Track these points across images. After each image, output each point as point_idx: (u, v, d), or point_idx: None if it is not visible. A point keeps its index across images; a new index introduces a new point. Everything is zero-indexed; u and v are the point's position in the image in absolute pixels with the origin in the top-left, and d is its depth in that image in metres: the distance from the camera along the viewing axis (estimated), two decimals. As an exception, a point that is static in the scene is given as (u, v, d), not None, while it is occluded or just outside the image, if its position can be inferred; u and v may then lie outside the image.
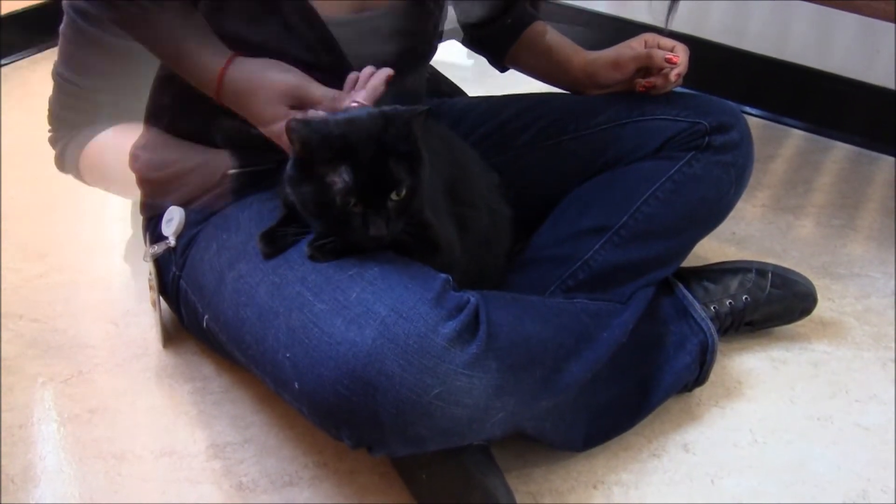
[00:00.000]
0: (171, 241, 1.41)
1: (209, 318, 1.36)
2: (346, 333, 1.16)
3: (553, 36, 1.64)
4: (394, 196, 1.15)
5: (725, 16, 2.44)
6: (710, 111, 1.55)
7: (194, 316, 1.42)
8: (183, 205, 1.44)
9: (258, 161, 1.42)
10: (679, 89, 1.55)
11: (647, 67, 1.53)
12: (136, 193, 1.47)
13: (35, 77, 2.95)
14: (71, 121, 1.35)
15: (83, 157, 1.36)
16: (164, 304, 1.54)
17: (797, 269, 1.83)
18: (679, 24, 2.45)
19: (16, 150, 2.49)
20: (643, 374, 1.46)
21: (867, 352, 1.69)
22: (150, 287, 1.51)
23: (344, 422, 1.18)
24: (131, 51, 1.29)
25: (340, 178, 1.13)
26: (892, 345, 1.70)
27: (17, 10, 3.06)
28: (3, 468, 1.36)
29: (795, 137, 2.39)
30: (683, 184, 1.51)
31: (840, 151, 2.34)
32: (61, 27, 1.34)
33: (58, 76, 1.35)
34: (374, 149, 1.14)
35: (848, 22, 2.29)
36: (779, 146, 2.34)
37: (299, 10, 1.29)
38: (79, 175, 1.41)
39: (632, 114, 1.57)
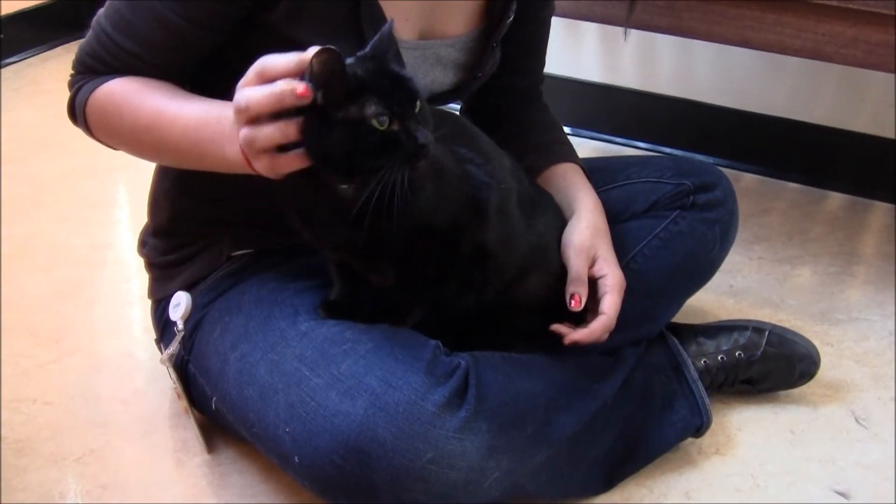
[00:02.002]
0: (179, 325, 1.44)
1: (217, 399, 1.40)
2: (339, 405, 1.20)
3: (569, 180, 1.55)
4: (415, 108, 1.10)
5: (711, 75, 2.49)
6: (693, 171, 1.59)
7: (204, 399, 1.45)
8: (188, 287, 1.48)
9: (260, 243, 1.47)
10: (666, 149, 1.56)
11: None
12: (134, 147, 1.39)
13: (45, 74, 3.04)
14: (97, 70, 1.34)
15: (91, 101, 1.34)
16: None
17: (795, 317, 1.87)
18: (666, 87, 2.53)
19: (24, 147, 2.59)
20: (635, 425, 1.48)
21: (867, 392, 1.71)
22: (178, 395, 1.52)
23: (343, 492, 1.21)
24: (194, 39, 1.28)
25: (370, 103, 1.07)
26: (891, 384, 1.73)
27: (27, 8, 3.12)
28: (18, 548, 1.39)
29: (790, 190, 2.43)
30: (670, 241, 1.54)
31: (834, 201, 2.38)
32: None
33: (99, 28, 1.31)
34: (378, 69, 1.10)
35: (831, 73, 2.34)
36: (773, 200, 2.38)
37: (377, 29, 1.28)
38: (85, 121, 1.38)
39: (617, 178, 1.61)
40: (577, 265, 1.41)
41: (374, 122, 1.06)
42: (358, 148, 1.07)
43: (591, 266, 1.42)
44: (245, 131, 1.08)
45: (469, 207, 1.27)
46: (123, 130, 1.34)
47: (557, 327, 1.40)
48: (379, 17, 1.31)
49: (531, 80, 1.67)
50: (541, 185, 1.53)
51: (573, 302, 1.39)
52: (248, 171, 1.14)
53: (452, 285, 1.34)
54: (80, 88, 1.36)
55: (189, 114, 1.26)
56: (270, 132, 1.07)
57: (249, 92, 1.07)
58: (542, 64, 1.67)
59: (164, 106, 1.28)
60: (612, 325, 1.40)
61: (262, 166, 1.11)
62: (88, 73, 1.35)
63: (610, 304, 1.40)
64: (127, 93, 1.31)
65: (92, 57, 1.34)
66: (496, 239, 1.32)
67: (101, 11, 1.33)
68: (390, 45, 1.13)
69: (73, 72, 1.38)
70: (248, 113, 1.07)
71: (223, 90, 1.31)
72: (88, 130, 1.39)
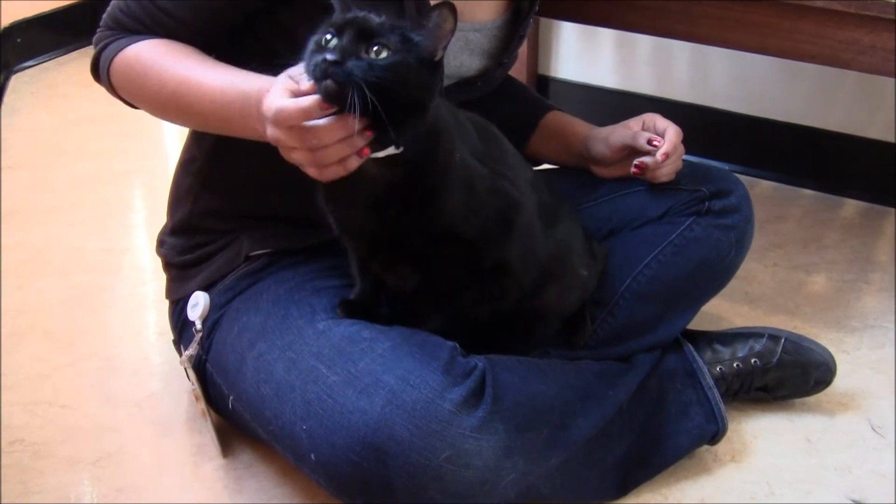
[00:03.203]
0: (198, 325, 1.45)
1: (234, 398, 1.40)
2: (356, 403, 1.20)
3: (562, 115, 1.68)
4: (372, 54, 1.07)
5: (727, 81, 2.48)
6: (709, 178, 1.59)
7: (221, 398, 1.45)
8: (206, 287, 1.48)
9: (279, 242, 1.47)
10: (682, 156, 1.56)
11: (634, 148, 1.54)
12: (157, 110, 1.40)
13: (61, 78, 3.07)
14: (127, 26, 1.34)
15: (118, 60, 1.35)
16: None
17: (811, 325, 1.87)
18: (682, 93, 2.53)
19: (40, 151, 2.61)
20: (650, 432, 1.48)
21: (883, 400, 1.70)
22: (196, 397, 1.53)
23: (359, 491, 1.21)
24: (233, 3, 1.32)
25: (324, 27, 1.10)
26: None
27: (44, 12, 3.16)
28: (34, 550, 1.40)
29: (805, 197, 2.42)
30: (685, 247, 1.54)
31: (849, 208, 2.37)
32: None
33: None
34: (357, 19, 1.11)
35: (847, 80, 2.33)
36: (789, 207, 2.37)
37: (416, 1, 1.32)
38: (108, 81, 1.39)
39: (633, 184, 1.61)
40: (625, 133, 1.55)
41: (315, 42, 1.10)
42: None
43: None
44: (308, 156, 1.12)
45: (497, 223, 1.28)
46: (148, 94, 1.36)
47: (641, 160, 1.52)
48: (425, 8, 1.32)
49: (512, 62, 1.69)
50: (538, 139, 1.65)
51: (654, 141, 1.51)
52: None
53: (471, 295, 1.34)
54: (106, 46, 1.37)
55: (214, 86, 1.28)
56: (339, 151, 1.11)
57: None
58: None
59: (189, 74, 1.30)
60: (681, 133, 1.52)
61: (331, 174, 1.14)
62: (118, 29, 1.37)
63: (667, 123, 1.53)
64: (154, 56, 1.33)
65: (124, 12, 1.35)
66: (518, 255, 1.33)
67: None
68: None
69: (100, 27, 1.39)
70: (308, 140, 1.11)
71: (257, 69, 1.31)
72: (111, 89, 1.40)
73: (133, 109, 1.44)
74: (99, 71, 1.39)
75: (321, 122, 1.08)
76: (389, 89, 1.06)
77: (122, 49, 1.34)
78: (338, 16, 1.11)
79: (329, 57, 1.05)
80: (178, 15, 1.32)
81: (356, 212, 1.22)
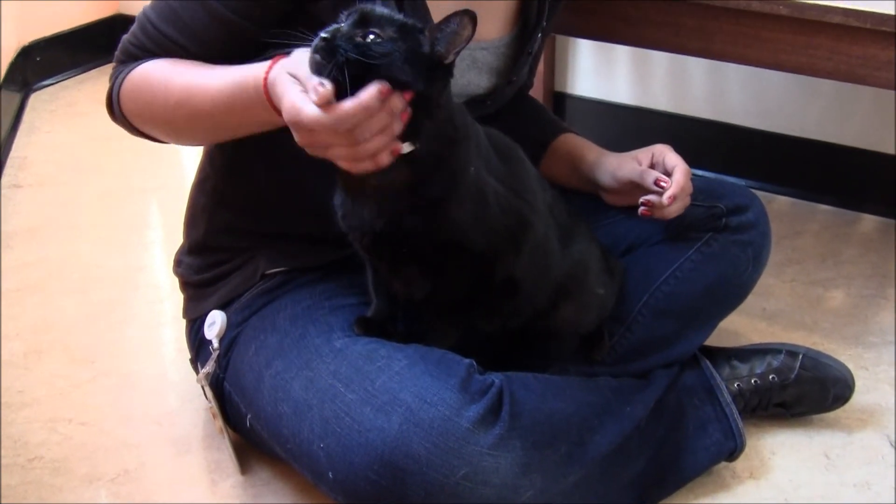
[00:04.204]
0: (215, 344, 1.46)
1: (251, 417, 1.41)
2: (374, 421, 1.21)
3: (574, 138, 1.66)
4: (370, 36, 1.11)
5: (743, 97, 2.49)
6: (726, 194, 1.58)
7: (238, 417, 1.46)
8: (223, 306, 1.49)
9: (295, 261, 1.48)
10: (698, 172, 1.55)
11: (641, 185, 1.50)
12: (169, 125, 1.40)
13: (80, 96, 3.09)
14: (139, 58, 1.36)
15: (126, 83, 1.36)
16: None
17: (829, 340, 1.86)
18: (698, 109, 2.53)
19: (59, 168, 2.63)
20: (668, 448, 1.47)
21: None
22: (213, 415, 1.53)
23: None
24: (241, 33, 1.31)
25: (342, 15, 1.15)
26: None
27: (63, 31, 3.18)
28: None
29: (822, 212, 2.41)
30: (702, 263, 1.54)
31: (867, 223, 2.36)
32: None
33: (145, 19, 1.33)
34: (363, 8, 1.15)
35: (863, 95, 2.33)
36: (806, 222, 2.37)
37: (420, 19, 1.31)
38: (121, 109, 1.39)
39: None
40: (633, 168, 1.50)
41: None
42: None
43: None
44: (349, 150, 1.12)
45: (507, 241, 1.29)
46: (157, 110, 1.36)
47: (647, 198, 1.46)
48: (423, 13, 1.33)
49: (529, 82, 1.70)
50: (549, 161, 1.62)
51: (662, 182, 1.45)
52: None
53: (481, 310, 1.35)
54: (116, 78, 1.38)
55: (214, 85, 1.28)
56: (381, 141, 1.12)
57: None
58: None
59: (192, 80, 1.30)
60: (690, 172, 1.47)
61: (363, 168, 1.14)
62: (130, 60, 1.38)
63: (676, 160, 1.47)
64: (158, 70, 1.33)
65: (135, 45, 1.36)
66: (529, 274, 1.34)
67: (147, 5, 1.36)
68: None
69: (114, 64, 1.41)
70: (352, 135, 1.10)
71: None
72: (125, 119, 1.40)
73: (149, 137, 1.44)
74: (112, 107, 1.40)
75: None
76: (368, 67, 1.09)
77: (128, 74, 1.35)
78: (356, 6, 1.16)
79: (322, 34, 1.11)
80: (190, 47, 1.33)
81: (364, 208, 1.22)
